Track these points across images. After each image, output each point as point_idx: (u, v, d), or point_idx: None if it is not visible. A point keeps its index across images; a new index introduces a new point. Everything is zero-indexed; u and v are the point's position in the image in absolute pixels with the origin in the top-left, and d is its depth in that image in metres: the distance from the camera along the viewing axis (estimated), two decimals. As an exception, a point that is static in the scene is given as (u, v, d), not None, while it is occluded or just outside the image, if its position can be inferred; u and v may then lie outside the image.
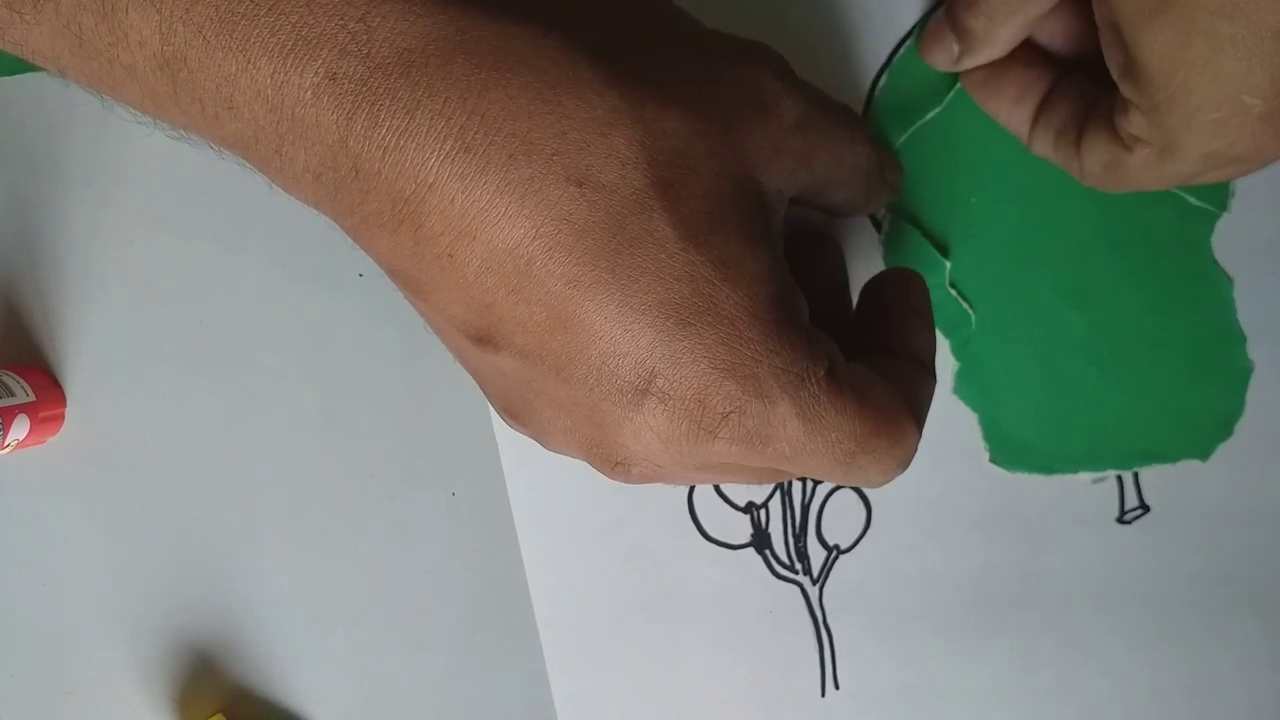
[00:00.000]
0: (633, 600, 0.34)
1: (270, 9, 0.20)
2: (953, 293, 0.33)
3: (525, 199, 0.21)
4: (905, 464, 0.25)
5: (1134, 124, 0.28)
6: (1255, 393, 0.34)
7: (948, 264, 0.33)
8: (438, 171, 0.20)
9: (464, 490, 0.33)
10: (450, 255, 0.21)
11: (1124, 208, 0.33)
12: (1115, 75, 0.27)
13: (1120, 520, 0.34)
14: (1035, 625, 0.34)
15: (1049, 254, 0.33)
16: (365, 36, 0.20)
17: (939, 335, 0.33)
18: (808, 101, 0.25)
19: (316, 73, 0.20)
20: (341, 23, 0.20)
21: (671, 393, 0.22)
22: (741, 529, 0.34)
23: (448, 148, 0.20)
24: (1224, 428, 0.34)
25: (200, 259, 0.32)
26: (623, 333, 0.22)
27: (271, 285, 0.33)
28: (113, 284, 0.32)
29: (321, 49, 0.20)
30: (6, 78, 0.32)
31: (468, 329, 0.23)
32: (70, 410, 0.32)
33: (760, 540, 0.34)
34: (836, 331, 0.26)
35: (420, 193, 0.21)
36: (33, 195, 0.32)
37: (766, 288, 0.22)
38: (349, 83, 0.20)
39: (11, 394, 0.30)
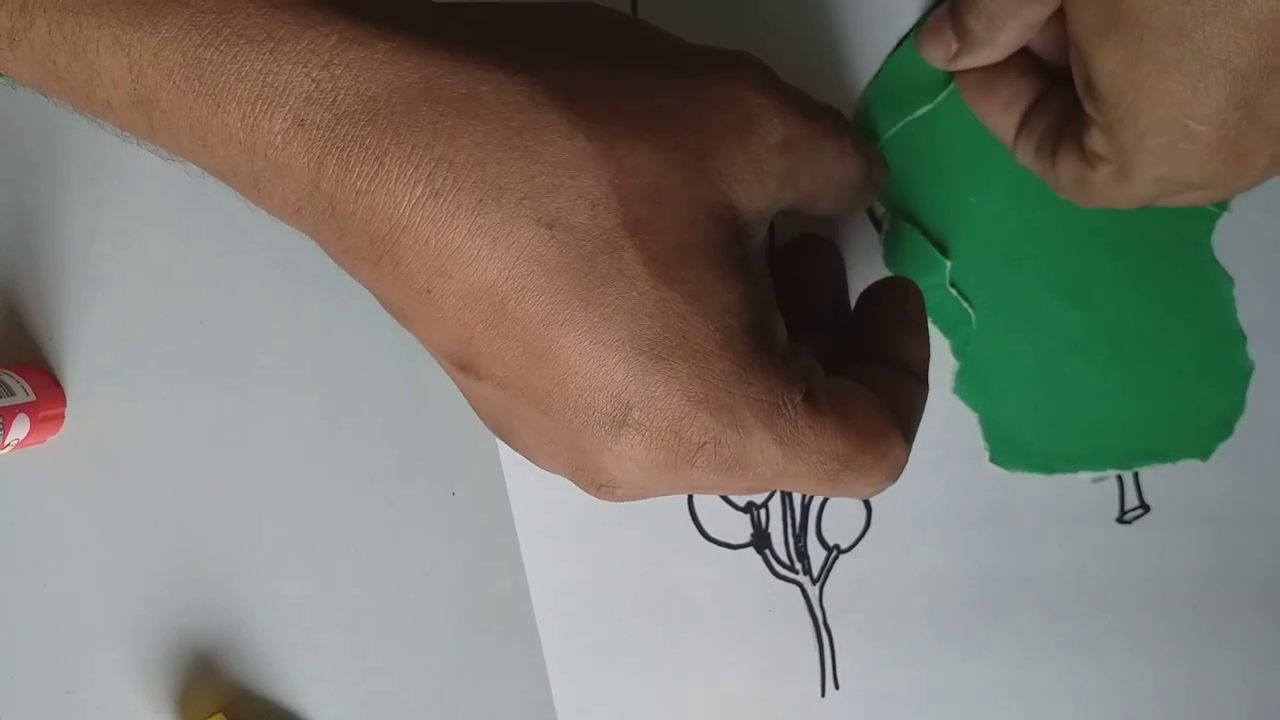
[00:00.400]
0: (633, 600, 0.34)
1: (234, 57, 0.20)
2: (953, 292, 0.33)
3: (496, 242, 0.21)
4: (894, 476, 0.25)
5: (1095, 141, 0.27)
6: (1255, 392, 0.34)
7: (948, 264, 0.33)
8: (409, 215, 0.21)
9: (464, 491, 0.33)
10: (428, 291, 0.22)
11: (1124, 207, 0.33)
12: (1079, 91, 0.27)
13: (1121, 520, 0.34)
14: (1035, 625, 0.34)
15: (1049, 254, 0.33)
16: (329, 85, 0.20)
17: (939, 335, 0.33)
18: (794, 117, 0.24)
19: (285, 119, 0.20)
20: (305, 70, 0.20)
21: (647, 424, 0.22)
22: (741, 529, 0.34)
23: (418, 193, 0.21)
24: (1224, 427, 0.34)
25: (200, 259, 0.32)
26: (597, 368, 0.22)
27: (271, 286, 0.32)
28: (113, 284, 0.32)
29: (288, 96, 0.20)
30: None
31: (451, 358, 0.23)
32: (70, 410, 0.32)
33: (760, 540, 0.34)
34: (831, 336, 0.26)
35: (394, 233, 0.21)
36: (33, 195, 0.32)
37: (739, 319, 0.22)
38: (316, 129, 0.20)
39: (11, 393, 0.30)
